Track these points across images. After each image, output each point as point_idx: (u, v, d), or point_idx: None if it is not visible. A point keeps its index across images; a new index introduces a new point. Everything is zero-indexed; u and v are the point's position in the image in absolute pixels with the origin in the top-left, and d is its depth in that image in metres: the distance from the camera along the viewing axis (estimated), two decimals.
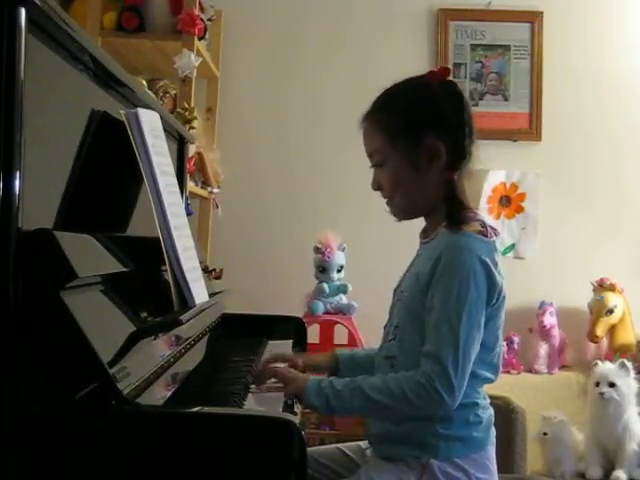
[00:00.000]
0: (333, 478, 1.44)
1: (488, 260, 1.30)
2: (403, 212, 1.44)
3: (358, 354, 1.58)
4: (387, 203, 1.44)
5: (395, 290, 1.47)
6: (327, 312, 2.82)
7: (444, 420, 1.31)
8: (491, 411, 1.40)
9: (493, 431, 1.40)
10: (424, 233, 1.45)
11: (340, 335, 2.86)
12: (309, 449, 1.57)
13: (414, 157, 1.36)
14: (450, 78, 1.42)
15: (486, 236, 1.33)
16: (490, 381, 1.38)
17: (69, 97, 1.17)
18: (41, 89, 1.03)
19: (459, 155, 1.36)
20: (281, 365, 1.46)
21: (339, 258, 2.84)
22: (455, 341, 1.25)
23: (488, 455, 1.37)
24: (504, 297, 1.34)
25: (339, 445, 1.56)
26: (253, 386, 1.37)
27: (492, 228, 1.37)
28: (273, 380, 1.38)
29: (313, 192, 3.13)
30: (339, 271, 2.86)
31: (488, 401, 1.40)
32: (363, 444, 1.51)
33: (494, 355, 1.36)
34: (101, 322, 1.05)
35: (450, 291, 1.27)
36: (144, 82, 2.30)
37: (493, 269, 1.30)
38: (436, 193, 1.38)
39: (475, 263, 1.28)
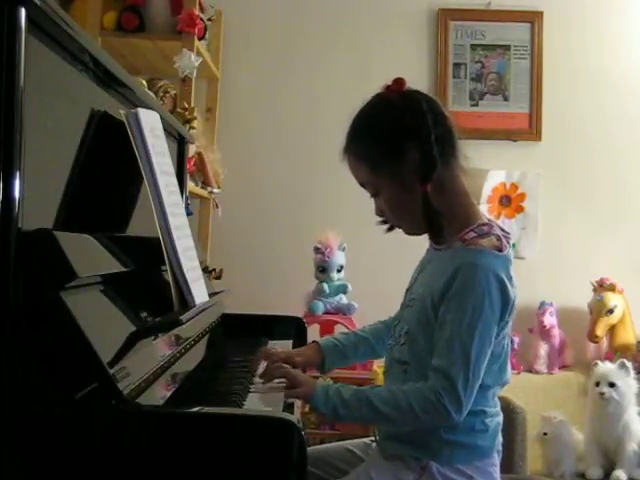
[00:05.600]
0: (339, 476, 1.44)
1: (504, 276, 1.29)
2: (411, 231, 1.43)
3: (341, 342, 1.56)
4: (397, 227, 1.44)
5: (407, 290, 1.47)
6: (327, 312, 2.82)
7: (449, 426, 1.30)
8: (500, 419, 1.39)
9: (500, 439, 1.39)
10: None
11: None
12: (314, 448, 1.58)
13: (400, 177, 1.35)
14: (408, 87, 1.39)
15: (502, 250, 1.32)
16: (504, 384, 1.38)
17: (69, 97, 1.17)
18: (41, 89, 1.03)
19: (428, 165, 1.33)
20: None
21: (339, 258, 2.84)
22: (466, 360, 1.25)
23: (492, 462, 1.36)
24: (514, 308, 1.34)
25: (344, 443, 1.56)
26: (253, 386, 1.37)
27: (504, 233, 1.36)
28: (279, 380, 1.37)
29: (313, 192, 3.13)
30: (339, 271, 2.85)
31: (498, 408, 1.40)
32: (369, 440, 1.51)
33: (500, 362, 1.35)
34: (101, 322, 1.05)
35: (464, 309, 1.27)
36: (144, 82, 2.30)
37: (508, 285, 1.30)
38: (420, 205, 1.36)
39: (491, 282, 1.28)
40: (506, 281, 1.29)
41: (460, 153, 1.38)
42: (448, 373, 1.25)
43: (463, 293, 1.28)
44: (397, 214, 1.41)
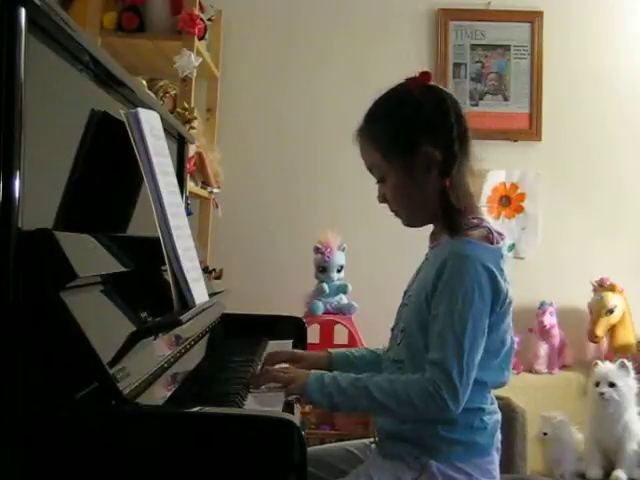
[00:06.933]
0: (339, 477, 1.44)
1: (493, 267, 1.29)
2: (411, 222, 1.44)
3: (353, 354, 1.57)
4: (395, 215, 1.44)
5: (405, 292, 1.47)
6: (327, 312, 2.82)
7: (447, 423, 1.31)
8: (498, 416, 1.39)
9: (498, 436, 1.39)
10: (432, 237, 1.44)
11: (340, 335, 2.85)
12: (314, 449, 1.58)
13: (411, 168, 1.35)
14: (432, 82, 1.40)
15: (492, 243, 1.33)
16: (500, 384, 1.38)
17: (69, 97, 1.17)
18: (41, 89, 1.03)
19: (449, 160, 1.34)
20: (279, 366, 1.46)
21: (339, 258, 2.84)
22: (460, 351, 1.25)
23: (491, 460, 1.36)
24: (510, 302, 1.34)
25: (344, 443, 1.56)
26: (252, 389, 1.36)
27: (498, 233, 1.36)
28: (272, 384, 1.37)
29: (313, 192, 3.13)
30: (339, 271, 2.85)
31: (495, 406, 1.40)
32: (368, 441, 1.51)
33: (500, 359, 1.35)
34: (101, 322, 1.05)
35: (455, 300, 1.27)
36: (144, 82, 2.30)
37: (498, 276, 1.29)
38: (438, 199, 1.37)
39: (479, 271, 1.28)
40: (496, 272, 1.29)
41: (471, 154, 1.38)
42: (443, 365, 1.25)
43: (452, 284, 1.28)
44: (400, 203, 1.41)
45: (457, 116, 1.37)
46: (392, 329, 1.46)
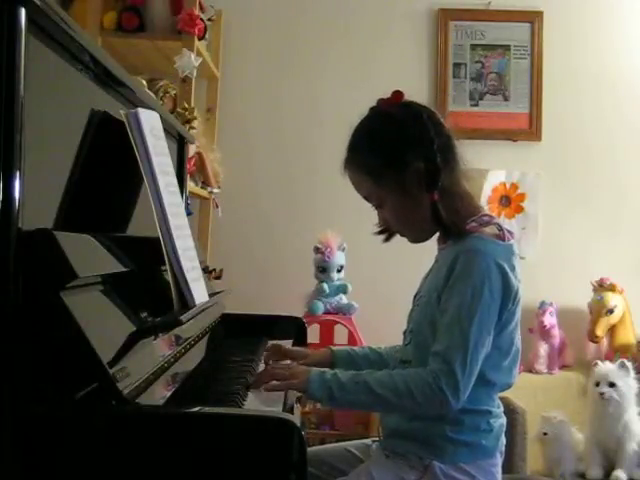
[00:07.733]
0: (339, 477, 1.44)
1: (505, 264, 1.29)
2: (417, 239, 1.45)
3: (355, 352, 1.58)
4: (400, 235, 1.45)
5: (415, 296, 1.47)
6: (327, 312, 2.82)
7: (455, 424, 1.31)
8: (503, 420, 1.40)
9: (503, 440, 1.40)
10: (440, 240, 1.44)
11: (340, 335, 2.85)
12: (315, 449, 1.58)
13: (405, 188, 1.36)
14: (405, 99, 1.41)
15: (503, 239, 1.33)
16: (507, 386, 1.38)
17: (69, 97, 1.17)
18: (41, 89, 1.03)
19: (434, 174, 1.34)
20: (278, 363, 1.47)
21: (339, 258, 2.84)
22: (465, 344, 1.25)
23: (495, 462, 1.37)
24: (519, 300, 1.34)
25: (344, 443, 1.57)
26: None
27: (509, 231, 1.37)
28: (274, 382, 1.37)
29: (313, 192, 3.13)
30: (339, 271, 2.86)
31: (502, 410, 1.40)
32: (369, 441, 1.51)
33: (509, 359, 1.35)
34: (101, 322, 1.05)
35: (464, 294, 1.27)
36: (144, 82, 2.30)
37: (509, 273, 1.30)
38: (431, 213, 1.37)
39: (491, 267, 1.28)
40: (507, 269, 1.29)
41: (460, 158, 1.38)
42: (446, 357, 1.25)
43: (463, 279, 1.28)
44: (403, 223, 1.42)
45: (436, 128, 1.37)
46: (404, 333, 1.46)
